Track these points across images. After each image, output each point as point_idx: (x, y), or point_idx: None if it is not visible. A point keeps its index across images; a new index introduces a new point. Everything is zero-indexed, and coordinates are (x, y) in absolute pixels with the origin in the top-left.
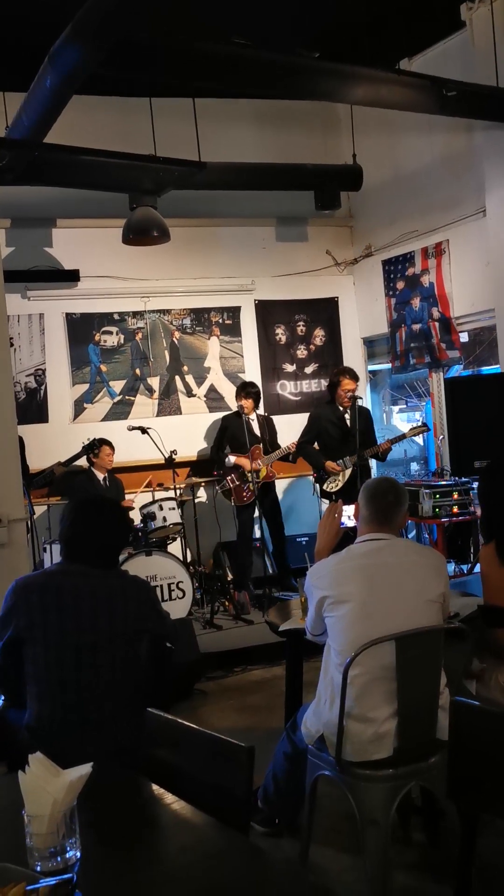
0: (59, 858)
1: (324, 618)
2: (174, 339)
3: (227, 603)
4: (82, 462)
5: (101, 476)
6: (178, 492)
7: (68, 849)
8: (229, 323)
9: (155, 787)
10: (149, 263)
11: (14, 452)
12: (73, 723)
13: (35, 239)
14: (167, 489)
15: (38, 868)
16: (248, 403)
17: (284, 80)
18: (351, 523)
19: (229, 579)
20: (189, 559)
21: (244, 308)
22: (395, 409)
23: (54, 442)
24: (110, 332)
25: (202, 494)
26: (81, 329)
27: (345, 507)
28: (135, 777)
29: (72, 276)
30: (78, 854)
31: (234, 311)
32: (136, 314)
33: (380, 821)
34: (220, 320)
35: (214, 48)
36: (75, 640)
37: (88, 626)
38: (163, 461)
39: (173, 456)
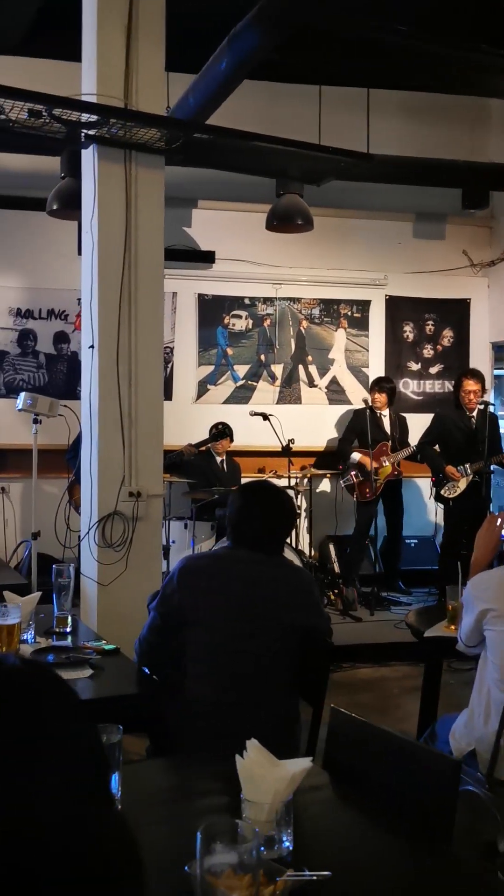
0: (274, 847)
1: (483, 630)
2: (301, 328)
3: (333, 597)
4: None
5: (219, 459)
6: (292, 481)
7: (284, 839)
8: (358, 316)
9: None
10: (283, 250)
11: (159, 430)
12: (230, 707)
13: (174, 218)
14: (280, 477)
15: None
16: (381, 398)
17: (463, 75)
18: None
19: (337, 573)
20: (297, 549)
21: (374, 302)
22: None
23: (176, 420)
24: (239, 316)
25: (323, 485)
26: (212, 311)
27: None
28: None
29: (207, 258)
30: (291, 847)
31: (364, 305)
32: (266, 300)
33: None
34: (349, 313)
35: (393, 40)
36: (239, 626)
37: (252, 613)
38: (279, 449)
39: (290, 445)
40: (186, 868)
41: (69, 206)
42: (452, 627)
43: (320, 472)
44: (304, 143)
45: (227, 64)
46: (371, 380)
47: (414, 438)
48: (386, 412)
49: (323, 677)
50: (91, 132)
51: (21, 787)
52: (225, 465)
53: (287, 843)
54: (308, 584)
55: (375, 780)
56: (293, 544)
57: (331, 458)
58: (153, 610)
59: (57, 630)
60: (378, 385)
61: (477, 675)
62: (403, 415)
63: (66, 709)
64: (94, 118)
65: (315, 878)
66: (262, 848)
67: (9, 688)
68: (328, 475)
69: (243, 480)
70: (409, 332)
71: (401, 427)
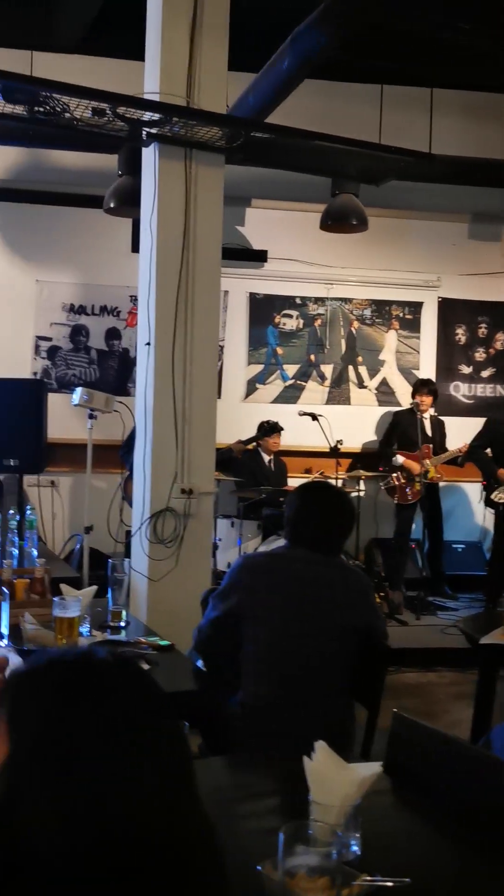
0: (343, 851)
1: None
2: (352, 328)
3: (378, 600)
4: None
5: (267, 458)
6: (340, 482)
7: (352, 843)
8: (409, 318)
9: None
10: (336, 251)
11: (212, 428)
12: (285, 705)
13: (228, 216)
14: (327, 478)
15: None
16: (427, 400)
17: None
18: None
19: (382, 576)
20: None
21: (426, 304)
22: None
23: (225, 419)
24: (290, 316)
25: (363, 488)
26: (263, 310)
27: None
28: None
29: (260, 257)
30: (359, 851)
31: (416, 307)
32: (317, 300)
33: None
34: (401, 314)
35: (455, 39)
36: (296, 625)
37: (310, 612)
38: (327, 449)
39: (338, 445)
40: (259, 868)
41: (126, 203)
42: None
43: (370, 473)
44: (366, 142)
45: (288, 63)
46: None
47: (456, 440)
48: (427, 415)
49: (379, 680)
50: (153, 130)
51: (115, 779)
52: (273, 465)
53: (355, 848)
54: (366, 586)
55: (440, 787)
56: None
57: (369, 460)
58: (211, 603)
59: (112, 624)
60: (425, 387)
61: None
62: (441, 418)
63: (156, 704)
64: (156, 117)
65: (392, 884)
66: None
67: (103, 681)
68: (363, 476)
69: (290, 480)
70: (461, 334)
71: (440, 431)
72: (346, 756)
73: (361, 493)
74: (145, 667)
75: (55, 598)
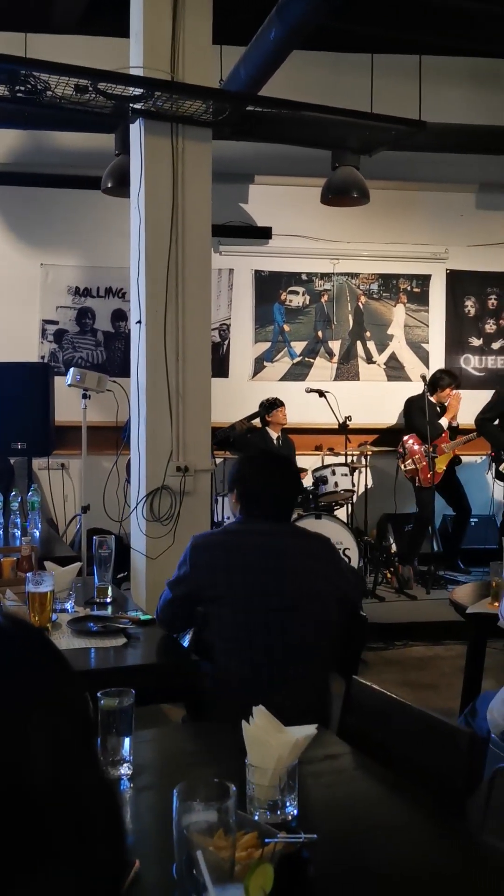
0: (278, 812)
1: None
2: (360, 303)
3: (389, 575)
4: (256, 421)
5: (274, 435)
6: (349, 458)
7: (287, 805)
8: (417, 291)
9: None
10: (341, 225)
11: (207, 406)
12: (261, 681)
13: (231, 194)
14: (337, 454)
15: (256, 817)
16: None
17: None
18: None
19: (394, 552)
20: (353, 527)
21: (434, 277)
22: None
23: (233, 397)
24: (296, 293)
25: (381, 464)
26: (269, 287)
27: None
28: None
29: (264, 234)
30: (296, 812)
31: (424, 280)
32: (323, 276)
33: None
34: (409, 288)
35: (446, 2)
36: (263, 601)
37: (276, 587)
38: (336, 426)
39: (347, 422)
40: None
41: (124, 183)
42: (496, 604)
43: (378, 449)
44: (353, 111)
45: (275, 34)
46: (430, 356)
47: (467, 414)
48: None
49: (357, 651)
50: (137, 106)
51: (9, 746)
52: (281, 441)
53: (291, 808)
54: (330, 550)
55: (393, 752)
56: (350, 523)
57: (391, 436)
58: (168, 587)
59: (97, 600)
60: (455, 380)
61: None
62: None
63: (53, 670)
64: (138, 91)
65: (304, 840)
66: (267, 812)
67: None
68: (370, 452)
69: (299, 458)
70: (470, 306)
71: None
72: (324, 728)
73: (375, 469)
74: (123, 640)
75: (28, 574)
